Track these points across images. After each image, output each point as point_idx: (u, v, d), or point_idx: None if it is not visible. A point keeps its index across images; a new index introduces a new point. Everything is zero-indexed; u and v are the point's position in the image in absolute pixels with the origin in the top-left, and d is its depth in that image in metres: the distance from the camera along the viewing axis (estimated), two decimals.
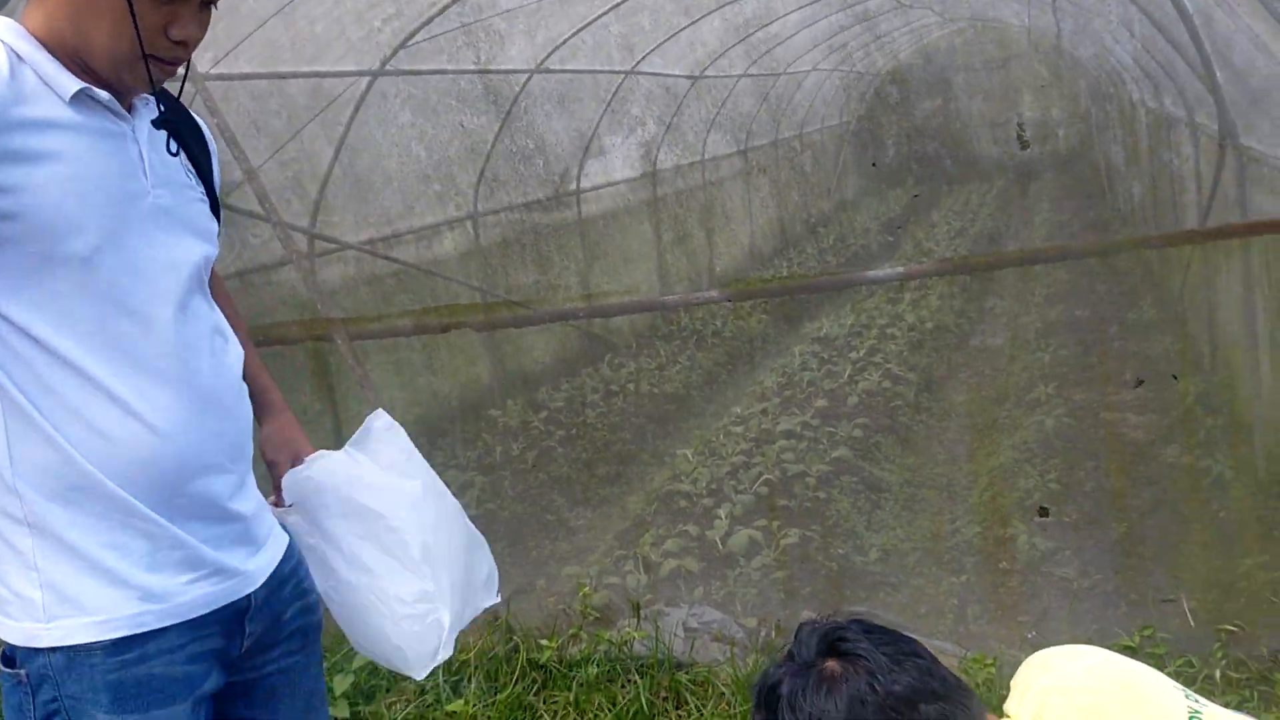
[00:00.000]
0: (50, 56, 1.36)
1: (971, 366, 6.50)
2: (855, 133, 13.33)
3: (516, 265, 6.71)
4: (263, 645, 1.64)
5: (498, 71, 5.37)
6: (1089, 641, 3.06)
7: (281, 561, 1.66)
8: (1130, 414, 4.79)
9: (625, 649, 3.24)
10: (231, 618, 1.56)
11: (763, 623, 3.42)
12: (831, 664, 1.39)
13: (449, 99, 5.15)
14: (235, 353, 1.60)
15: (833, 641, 1.42)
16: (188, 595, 1.49)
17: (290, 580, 1.68)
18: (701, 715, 2.98)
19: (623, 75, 6.77)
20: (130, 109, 1.46)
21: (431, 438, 5.47)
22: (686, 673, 3.13)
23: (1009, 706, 1.43)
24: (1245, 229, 2.67)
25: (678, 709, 3.04)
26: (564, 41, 5.55)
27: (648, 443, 5.78)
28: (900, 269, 2.48)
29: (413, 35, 4.42)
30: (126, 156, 1.42)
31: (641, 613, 3.40)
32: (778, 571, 3.99)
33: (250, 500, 1.61)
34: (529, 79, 5.65)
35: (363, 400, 3.50)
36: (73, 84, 1.36)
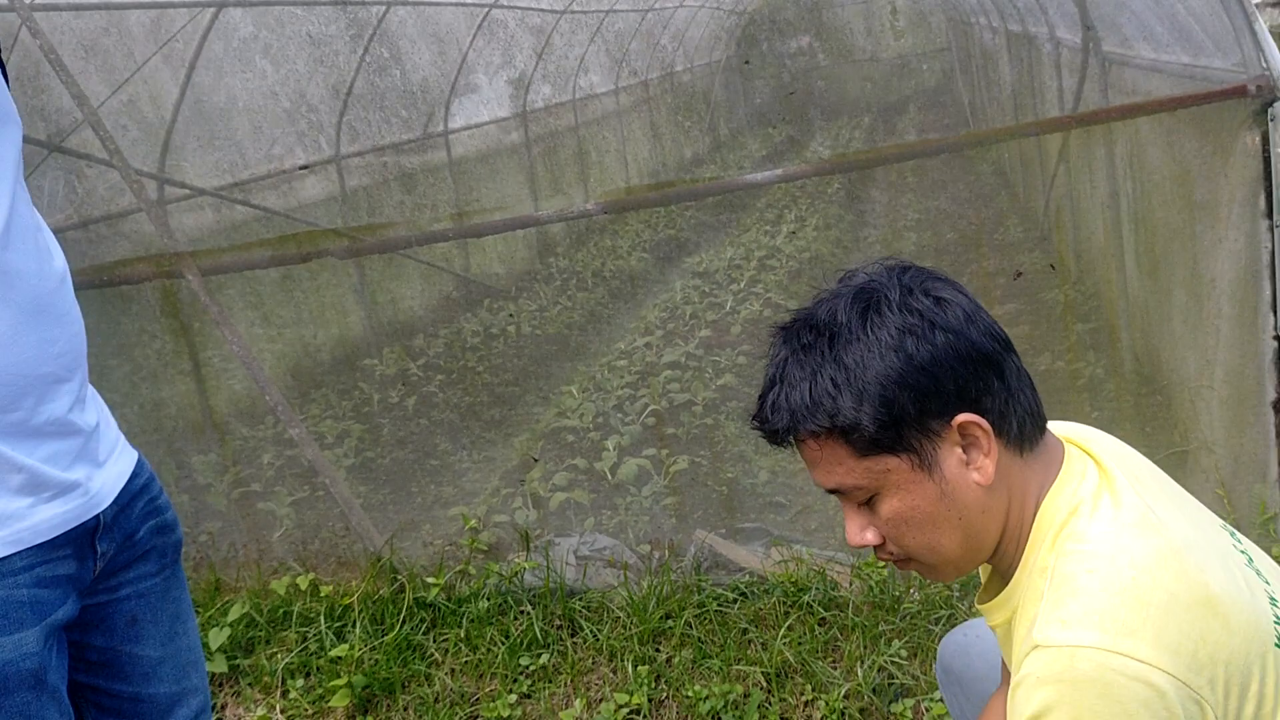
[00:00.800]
0: None
1: None
2: (726, 70, 13.30)
3: (384, 210, 6.47)
4: (116, 567, 1.53)
5: (354, 2, 5.12)
6: None
7: (131, 478, 1.54)
8: (1005, 327, 4.87)
9: (516, 581, 3.15)
10: (81, 538, 1.45)
11: (655, 546, 3.37)
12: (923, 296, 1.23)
13: (303, 31, 4.88)
14: (59, 255, 1.45)
15: (918, 282, 1.26)
16: (31, 519, 1.37)
17: (141, 496, 1.57)
18: (597, 640, 2.92)
19: (487, 8, 6.55)
20: None
21: (304, 389, 5.26)
22: (580, 599, 3.06)
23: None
24: (1110, 112, 2.70)
25: (573, 636, 2.97)
26: None
27: (532, 383, 5.68)
28: (778, 171, 2.42)
29: None
30: None
31: (532, 544, 3.31)
32: (669, 497, 3.95)
33: (91, 413, 1.48)
34: (386, 10, 5.41)
35: (222, 340, 3.30)
36: None
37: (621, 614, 2.99)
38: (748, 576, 3.05)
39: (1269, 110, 2.40)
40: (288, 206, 5.50)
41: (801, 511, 3.94)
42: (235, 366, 4.32)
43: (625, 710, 2.69)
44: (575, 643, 2.94)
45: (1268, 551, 2.63)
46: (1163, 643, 1.05)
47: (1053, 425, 1.38)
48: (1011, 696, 1.13)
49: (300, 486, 4.25)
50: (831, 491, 1.27)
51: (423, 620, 3.07)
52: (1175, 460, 3.08)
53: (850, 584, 2.96)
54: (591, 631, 2.95)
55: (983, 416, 1.19)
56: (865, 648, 2.74)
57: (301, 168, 5.39)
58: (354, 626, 3.02)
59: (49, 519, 1.39)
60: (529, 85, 7.95)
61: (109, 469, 1.51)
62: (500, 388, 5.62)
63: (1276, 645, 1.12)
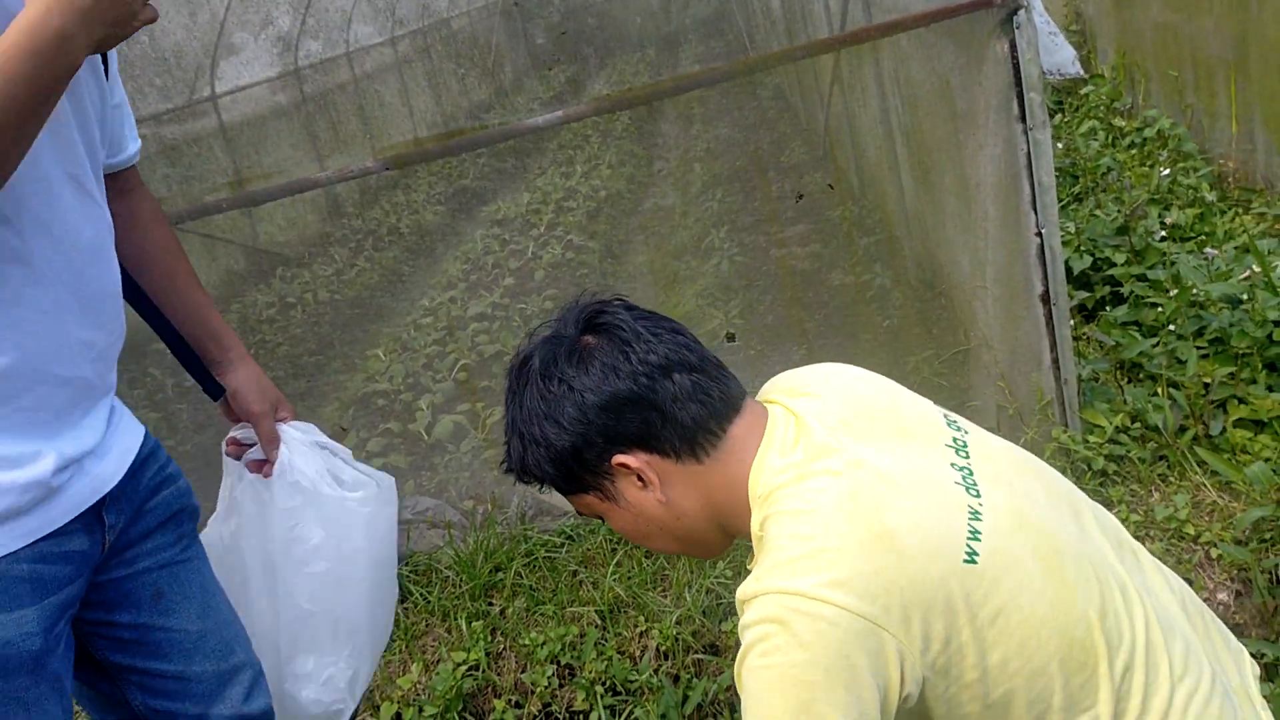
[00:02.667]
0: None
1: (649, 229, 6.63)
2: (501, 14, 13.06)
3: (150, 186, 6.09)
4: (131, 540, 1.46)
5: None
6: None
7: (140, 447, 1.49)
8: (796, 247, 5.05)
9: None
10: (87, 512, 1.37)
11: (478, 502, 3.35)
12: (589, 337, 1.35)
13: None
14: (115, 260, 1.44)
15: (591, 316, 1.37)
16: (38, 509, 1.31)
17: (149, 465, 1.50)
18: (428, 602, 2.89)
19: None
20: None
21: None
22: (406, 564, 3.02)
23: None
24: (871, 31, 2.80)
25: (402, 602, 2.93)
26: None
27: (335, 350, 5.51)
28: (559, 113, 2.40)
29: None
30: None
31: None
32: (488, 450, 3.93)
33: (104, 409, 1.44)
34: None
35: None
36: None
37: (450, 573, 2.96)
38: (573, 520, 3.08)
39: (1013, 19, 2.53)
40: None
41: None
42: None
43: (464, 667, 2.68)
44: (405, 608, 2.91)
45: (1046, 436, 2.84)
46: (835, 580, 1.15)
47: (778, 379, 1.50)
48: None
49: None
50: None
51: None
52: (959, 359, 3.27)
53: None
54: (421, 595, 2.92)
55: (641, 450, 1.33)
56: (692, 573, 2.81)
57: None
58: None
59: (60, 504, 1.33)
60: (296, 42, 7.60)
61: (113, 448, 1.44)
62: (302, 359, 5.44)
63: (966, 561, 1.19)
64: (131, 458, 1.47)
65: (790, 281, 4.71)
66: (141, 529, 1.49)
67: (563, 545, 3.00)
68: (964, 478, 1.28)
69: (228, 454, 1.71)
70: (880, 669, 1.16)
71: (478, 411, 4.23)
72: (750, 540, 1.37)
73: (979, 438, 1.39)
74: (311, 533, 1.64)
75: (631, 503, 1.36)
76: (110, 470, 1.41)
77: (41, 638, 1.30)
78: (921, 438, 1.34)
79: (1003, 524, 1.24)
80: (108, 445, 1.43)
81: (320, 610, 1.66)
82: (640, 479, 1.34)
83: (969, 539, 1.21)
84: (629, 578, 2.83)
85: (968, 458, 1.33)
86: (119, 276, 1.44)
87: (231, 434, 1.72)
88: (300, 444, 1.70)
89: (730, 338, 3.75)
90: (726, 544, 1.44)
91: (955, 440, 1.36)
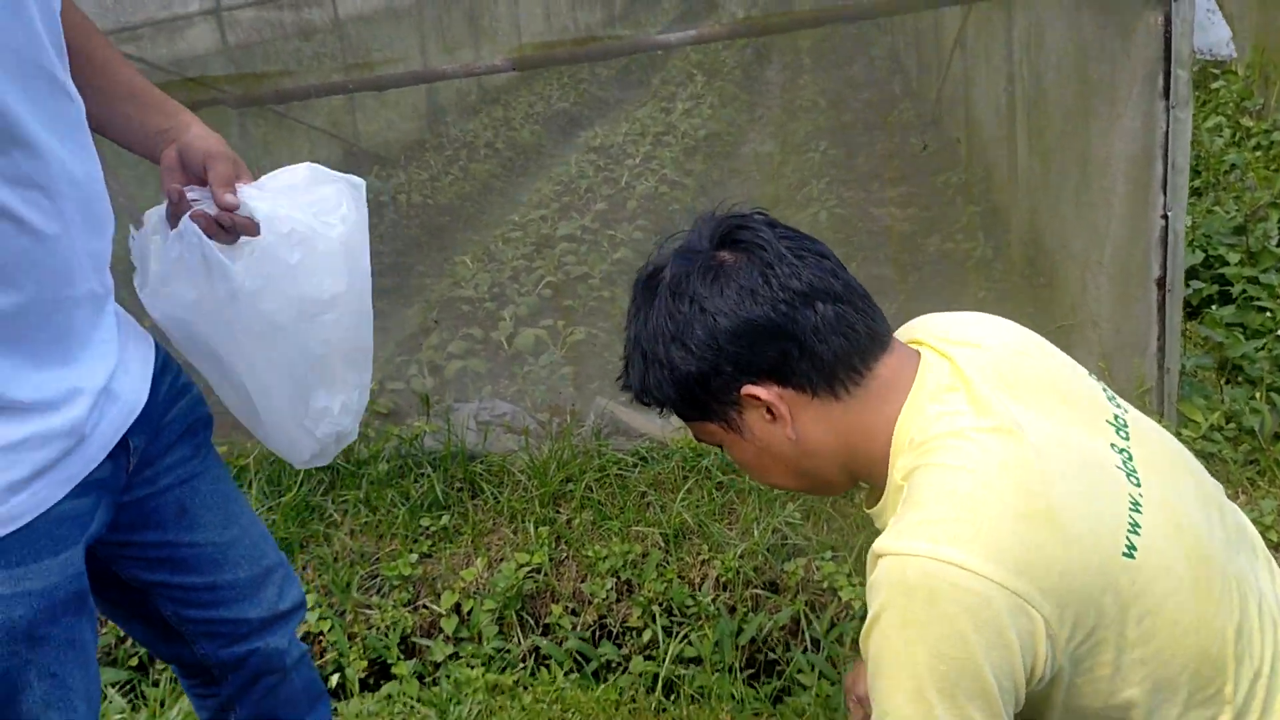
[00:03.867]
0: None
1: (744, 173, 6.57)
2: None
3: (275, 62, 6.15)
4: (151, 457, 1.41)
5: None
6: None
7: (153, 361, 1.42)
8: (896, 208, 4.96)
9: (416, 444, 3.14)
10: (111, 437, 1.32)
11: (554, 413, 3.38)
12: (725, 253, 1.26)
13: None
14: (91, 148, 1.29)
15: (729, 230, 1.28)
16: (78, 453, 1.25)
17: (164, 379, 1.44)
18: (498, 502, 2.94)
19: None
20: None
21: None
22: (480, 463, 3.07)
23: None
24: None
25: (473, 498, 2.99)
26: None
27: (423, 253, 5.57)
28: (693, 31, 2.37)
29: None
30: None
31: (431, 409, 3.29)
32: (566, 367, 3.95)
33: (111, 313, 1.35)
34: None
35: None
36: None
37: (522, 477, 3.01)
38: (648, 443, 3.10)
39: None
40: (172, 58, 5.17)
41: None
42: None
43: (526, 569, 2.73)
44: (476, 505, 2.96)
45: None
46: (990, 552, 1.08)
47: (926, 320, 1.41)
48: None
49: None
50: None
51: (321, 482, 3.03)
52: (1060, 335, 3.21)
53: None
54: (492, 494, 2.96)
55: (774, 382, 1.24)
56: (761, 510, 2.82)
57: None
58: (250, 487, 2.97)
59: (96, 443, 1.27)
60: None
61: (134, 366, 1.37)
62: (391, 257, 5.50)
63: (1125, 555, 1.13)
64: (150, 375, 1.41)
65: (888, 240, 4.65)
66: (161, 446, 1.44)
67: (635, 466, 3.02)
68: (1124, 462, 1.21)
69: (170, 202, 1.38)
70: (1029, 650, 1.09)
71: (559, 329, 4.25)
72: (874, 485, 1.31)
73: (1136, 418, 1.32)
74: (324, 285, 1.45)
75: (757, 435, 1.29)
76: (135, 394, 1.36)
77: (84, 575, 1.28)
78: (1084, 410, 1.26)
79: (1160, 521, 1.17)
80: (126, 364, 1.36)
81: (333, 350, 1.50)
82: (770, 412, 1.26)
83: (1129, 531, 1.14)
84: (697, 506, 2.84)
85: (1127, 439, 1.25)
86: (99, 165, 1.30)
87: (174, 186, 1.40)
88: (266, 192, 1.43)
89: None
90: (848, 485, 1.36)
91: (1116, 419, 1.28)
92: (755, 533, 2.74)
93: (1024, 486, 1.12)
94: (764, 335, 1.22)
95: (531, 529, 2.83)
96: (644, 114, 7.80)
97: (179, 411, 1.47)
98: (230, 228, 1.35)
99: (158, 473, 1.43)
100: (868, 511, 1.37)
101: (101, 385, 1.28)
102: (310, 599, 2.68)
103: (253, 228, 1.36)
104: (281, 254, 1.39)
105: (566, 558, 2.80)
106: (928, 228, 4.66)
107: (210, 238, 1.35)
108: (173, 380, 1.47)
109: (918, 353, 1.31)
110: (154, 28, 5.16)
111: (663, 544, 2.77)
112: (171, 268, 1.35)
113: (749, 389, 1.24)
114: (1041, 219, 3.73)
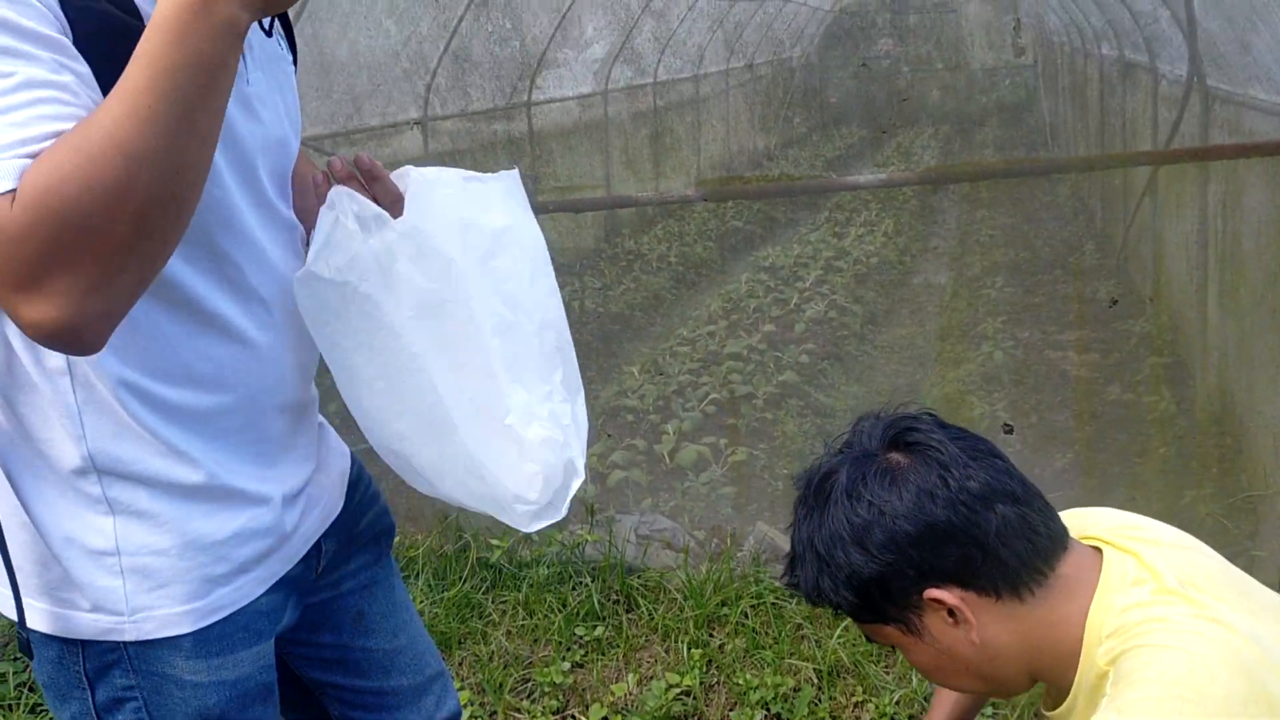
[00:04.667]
0: None
1: (914, 302, 6.55)
2: (804, 67, 13.23)
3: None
4: (338, 561, 1.45)
5: None
6: None
7: (349, 469, 1.47)
8: (1074, 353, 4.86)
9: (577, 552, 3.20)
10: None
11: (713, 533, 3.41)
12: (897, 455, 1.26)
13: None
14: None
15: (899, 432, 1.28)
16: (281, 550, 1.30)
17: (358, 488, 1.48)
18: (653, 618, 2.96)
19: None
20: None
21: None
22: (638, 577, 3.11)
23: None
24: (1205, 151, 2.67)
25: (629, 611, 3.02)
26: None
27: (594, 359, 5.73)
28: (883, 174, 2.43)
29: None
30: None
31: (594, 518, 3.36)
32: (725, 487, 3.98)
33: (314, 423, 1.39)
34: None
35: None
36: None
37: (678, 595, 3.02)
38: None
39: None
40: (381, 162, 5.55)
41: None
42: None
43: (676, 690, 2.73)
44: (631, 618, 2.99)
45: None
46: None
47: (1090, 515, 1.38)
48: None
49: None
50: None
51: (484, 580, 3.13)
52: (1246, 505, 3.06)
53: None
54: (648, 609, 2.99)
55: (957, 585, 1.22)
56: None
57: (415, 122, 5.46)
58: (417, 579, 3.09)
59: (295, 543, 1.31)
60: (612, 64, 7.98)
61: (333, 472, 1.40)
62: None
63: None
64: (346, 484, 1.43)
65: (1065, 386, 4.55)
66: (348, 552, 1.47)
67: (792, 597, 3.00)
68: None
69: (333, 175, 1.24)
70: None
71: (721, 446, 4.30)
72: (1056, 684, 1.28)
73: None
74: (477, 218, 1.24)
75: (938, 639, 1.26)
76: (332, 500, 1.39)
77: (273, 667, 1.31)
78: (1271, 611, 1.23)
79: None
80: (327, 470, 1.39)
81: (521, 318, 1.25)
82: (952, 615, 1.23)
83: None
84: (854, 644, 2.80)
85: None
86: None
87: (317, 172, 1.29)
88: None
89: (1008, 429, 3.65)
90: (1028, 686, 1.33)
91: None
92: (913, 679, 2.68)
93: (1244, 673, 1.10)
94: (946, 538, 1.22)
95: (684, 649, 2.83)
96: (817, 237, 7.90)
97: (368, 521, 1.51)
98: (377, 180, 1.25)
99: (341, 577, 1.48)
100: (1049, 715, 1.34)
101: (303, 489, 1.32)
102: (463, 696, 2.75)
103: (398, 195, 1.24)
104: (440, 204, 1.21)
105: (717, 683, 2.79)
106: (1107, 375, 4.54)
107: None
108: (365, 490, 1.52)
109: (1097, 549, 1.29)
110: (368, 134, 5.58)
111: (816, 680, 2.74)
112: (324, 239, 1.18)
113: (932, 592, 1.23)
114: (1231, 379, 3.59)
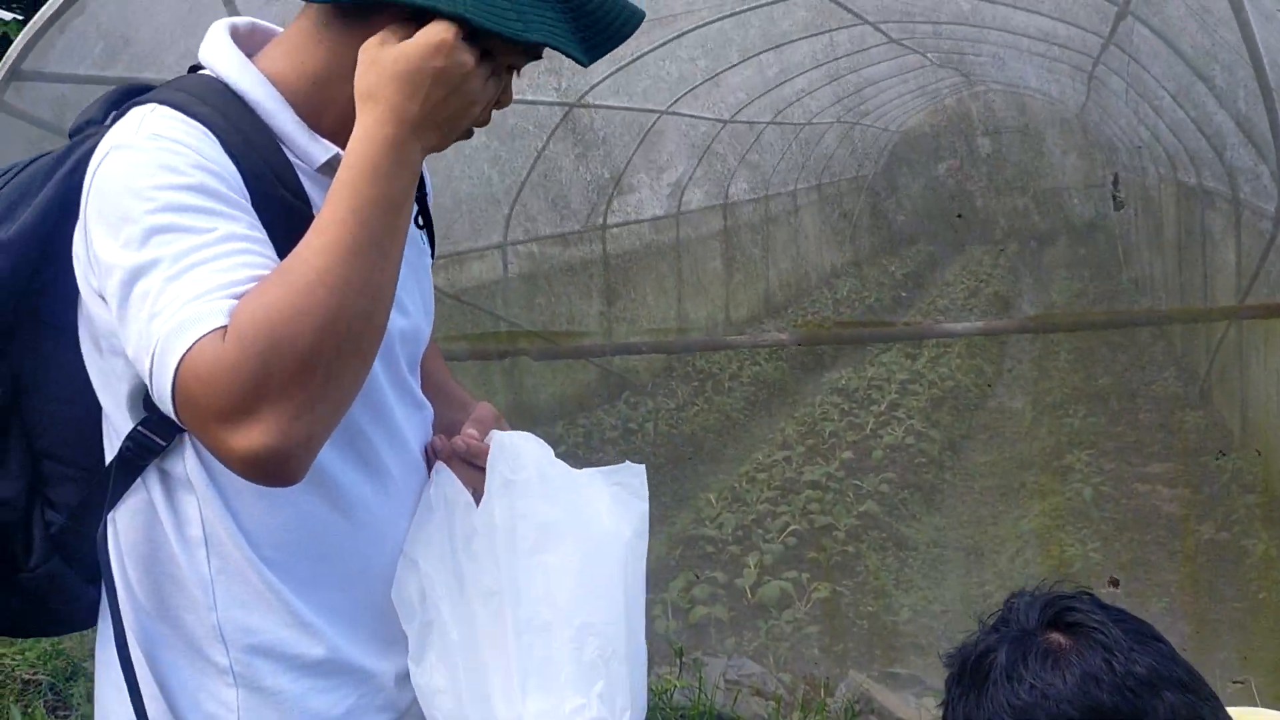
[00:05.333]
0: (294, 115, 1.12)
1: (993, 428, 6.47)
2: (872, 188, 13.39)
3: (542, 297, 6.67)
4: None
5: (535, 102, 5.37)
6: None
7: None
8: (1163, 487, 4.76)
9: (665, 698, 3.16)
10: None
11: (807, 682, 3.35)
12: (1057, 636, 1.23)
13: (517, 125, 5.11)
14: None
15: (1059, 612, 1.24)
16: None
17: None
18: None
19: (656, 115, 6.78)
20: None
21: None
22: None
23: None
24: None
25: None
26: (601, 80, 5.54)
27: (668, 484, 5.72)
28: (980, 323, 2.44)
29: None
30: None
31: (682, 662, 3.32)
32: (810, 626, 3.92)
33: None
34: (567, 113, 5.64)
35: None
36: (322, 151, 1.13)
37: None
38: None
39: None
40: (456, 286, 5.70)
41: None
42: None
43: None
44: None
45: None
46: None
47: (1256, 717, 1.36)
48: None
49: None
50: None
51: None
52: None
53: None
54: None
55: None
56: None
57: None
58: None
59: None
60: (683, 190, 8.16)
61: None
62: None
63: None
64: None
65: (1155, 523, 4.44)
66: None
67: None
68: None
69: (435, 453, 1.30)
70: None
71: (803, 582, 4.25)
72: None
73: None
74: (539, 508, 1.21)
75: None
76: None
77: None
78: None
79: None
80: None
81: (560, 618, 1.18)
82: None
83: None
84: None
85: None
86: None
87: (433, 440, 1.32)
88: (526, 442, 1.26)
89: (1114, 584, 3.57)
90: None
91: None
92: None
93: None
94: None
95: None
96: (889, 358, 7.88)
97: None
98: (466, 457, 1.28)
99: None
100: None
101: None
102: None
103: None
104: (500, 467, 1.22)
105: None
106: (1199, 512, 4.44)
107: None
108: None
109: None
110: (450, 259, 5.73)
111: None
112: (422, 517, 1.23)
113: None
114: None
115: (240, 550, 1.13)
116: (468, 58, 1.06)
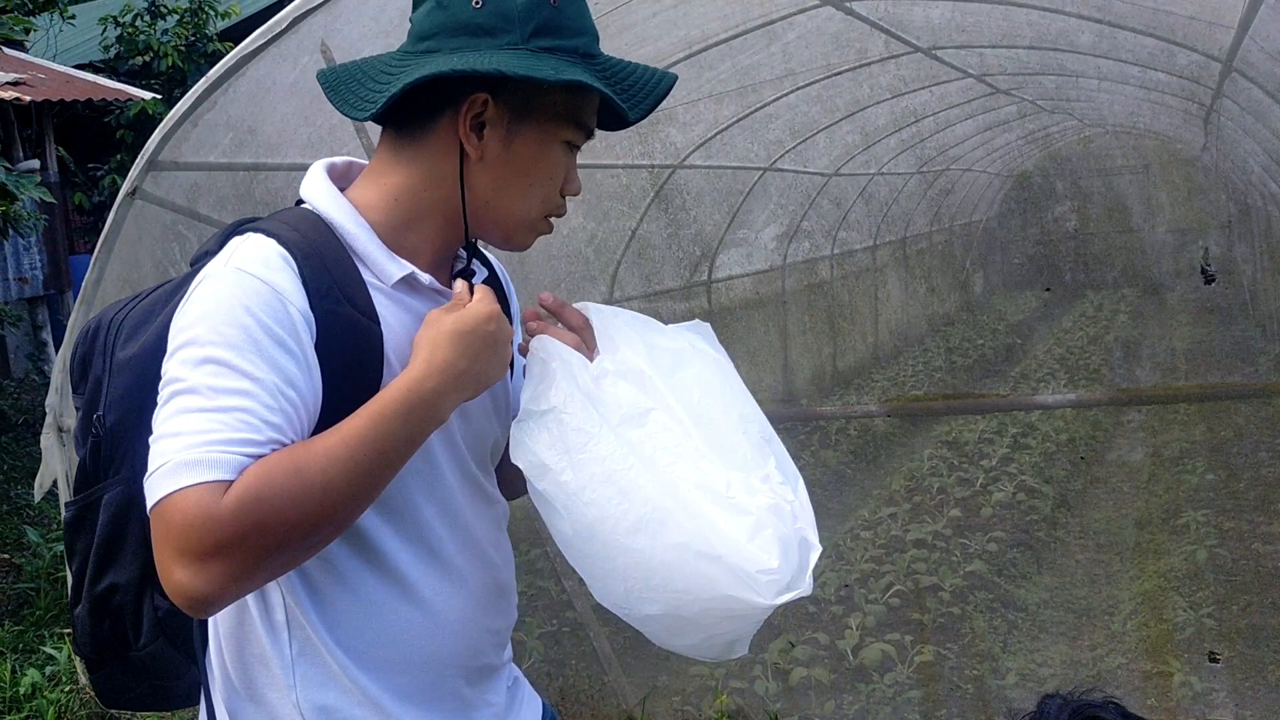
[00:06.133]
0: (374, 236, 1.24)
1: (1109, 483, 6.29)
2: (984, 234, 13.19)
3: None
4: None
5: (640, 166, 5.51)
6: None
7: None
8: None
9: None
10: None
11: None
12: None
13: (609, 188, 5.26)
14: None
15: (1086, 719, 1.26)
16: None
17: None
18: None
19: (760, 171, 6.86)
20: (450, 285, 1.31)
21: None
22: None
23: None
24: None
25: None
26: (705, 141, 5.66)
27: None
28: (1072, 395, 2.43)
29: None
30: None
31: None
32: (912, 690, 3.88)
33: (504, 680, 1.48)
34: (671, 174, 5.77)
35: None
36: (398, 269, 1.24)
37: None
38: None
39: None
40: None
41: None
42: None
43: None
44: None
45: None
46: None
47: None
48: None
49: (549, 620, 4.44)
50: None
51: None
52: None
53: None
54: None
55: None
56: None
57: None
58: None
59: None
60: (790, 239, 8.21)
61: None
62: None
63: None
64: None
65: (1272, 586, 4.28)
66: None
67: None
68: None
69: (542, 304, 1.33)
70: None
71: (906, 644, 4.20)
72: None
73: None
74: (658, 341, 1.30)
75: None
76: None
77: None
78: None
79: None
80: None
81: (719, 413, 1.26)
82: None
83: None
84: None
85: None
86: (512, 563, 1.44)
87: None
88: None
89: (1214, 659, 3.46)
90: None
91: None
92: None
93: None
94: None
95: None
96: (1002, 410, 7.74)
97: None
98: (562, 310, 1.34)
99: None
100: None
101: None
102: None
103: (582, 322, 1.32)
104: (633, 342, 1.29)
105: None
106: None
107: None
108: None
109: None
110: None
111: None
112: (535, 382, 1.26)
113: None
114: None
115: (318, 635, 1.24)
116: (510, 328, 1.22)
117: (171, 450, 1.06)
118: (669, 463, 1.20)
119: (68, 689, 3.78)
